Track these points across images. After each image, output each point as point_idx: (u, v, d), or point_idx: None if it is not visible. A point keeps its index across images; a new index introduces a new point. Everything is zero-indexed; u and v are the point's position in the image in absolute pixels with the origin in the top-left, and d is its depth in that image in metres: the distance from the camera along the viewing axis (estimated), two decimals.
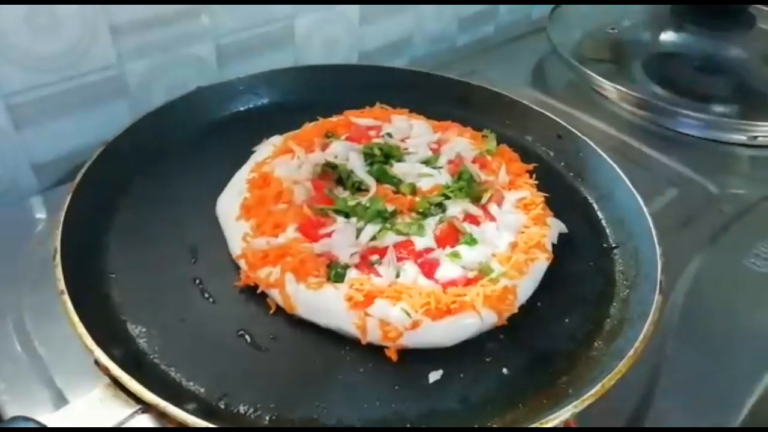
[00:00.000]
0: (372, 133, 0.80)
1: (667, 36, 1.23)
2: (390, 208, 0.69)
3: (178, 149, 0.79)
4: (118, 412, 0.50)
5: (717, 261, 0.79)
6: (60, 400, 0.57)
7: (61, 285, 0.56)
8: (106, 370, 0.51)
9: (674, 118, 1.02)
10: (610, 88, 1.06)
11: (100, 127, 0.83)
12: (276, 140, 0.78)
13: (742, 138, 1.01)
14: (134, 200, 0.72)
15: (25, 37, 0.73)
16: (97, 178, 0.69)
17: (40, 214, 0.77)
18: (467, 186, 0.72)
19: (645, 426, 0.61)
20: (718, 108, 1.08)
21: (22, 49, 0.74)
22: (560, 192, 0.78)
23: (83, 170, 0.68)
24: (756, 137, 1.00)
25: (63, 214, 0.63)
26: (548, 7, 1.22)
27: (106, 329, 0.56)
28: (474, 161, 0.77)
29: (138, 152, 0.75)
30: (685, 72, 1.15)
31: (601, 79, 1.06)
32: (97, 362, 0.52)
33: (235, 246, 0.65)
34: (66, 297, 0.55)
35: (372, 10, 1.07)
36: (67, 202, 0.64)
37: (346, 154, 0.74)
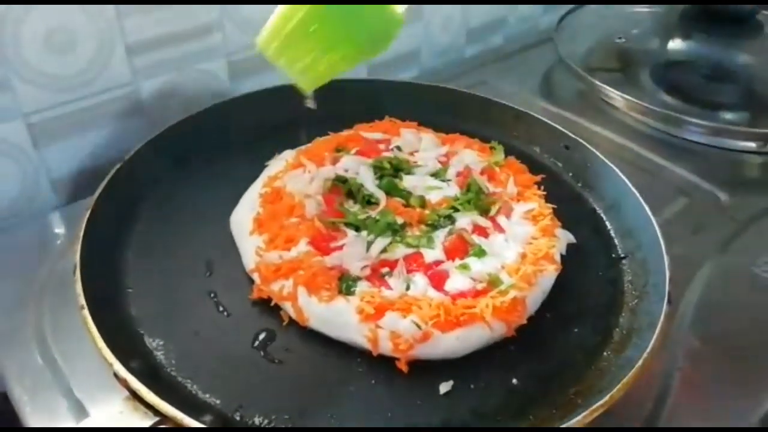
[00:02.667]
0: (381, 146, 0.82)
1: (675, 44, 1.24)
2: (400, 220, 0.70)
3: (192, 165, 0.81)
4: (138, 424, 0.51)
5: (727, 269, 0.79)
6: (80, 410, 0.59)
7: (81, 300, 0.58)
8: (125, 383, 0.52)
9: (683, 126, 1.02)
10: (618, 98, 1.06)
11: (116, 143, 0.85)
12: (288, 155, 0.80)
13: (751, 145, 1.01)
14: (150, 216, 0.74)
15: (44, 58, 0.75)
16: (114, 194, 0.71)
17: (59, 229, 0.79)
18: (476, 198, 0.73)
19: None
20: (727, 115, 1.08)
21: (40, 69, 0.76)
22: (568, 203, 0.79)
23: (101, 187, 0.70)
24: (766, 144, 1.00)
25: (82, 230, 0.65)
26: (555, 18, 1.23)
27: (125, 343, 0.58)
28: (482, 173, 0.78)
29: (153, 168, 0.77)
30: (694, 80, 1.15)
31: (609, 88, 1.07)
32: (116, 375, 0.53)
33: (249, 260, 0.66)
34: (86, 312, 0.57)
35: None
36: (86, 219, 0.66)
37: (357, 168, 0.76)
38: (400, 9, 0.59)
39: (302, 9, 0.56)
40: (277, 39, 0.58)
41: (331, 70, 0.61)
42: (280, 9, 0.57)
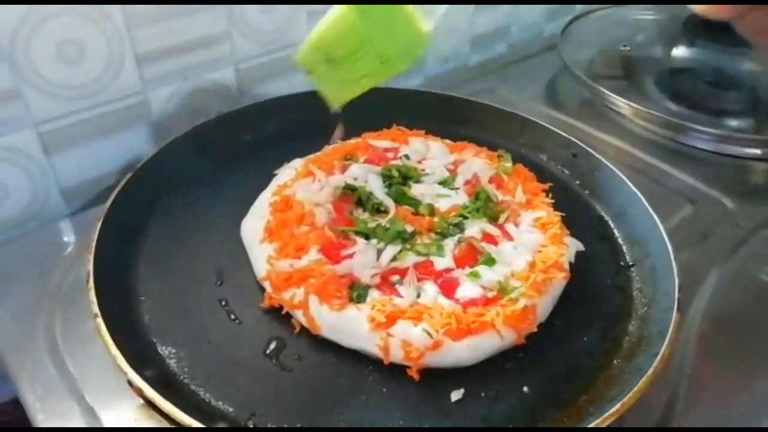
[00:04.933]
0: (390, 155, 0.82)
1: (679, 51, 1.24)
2: (409, 229, 0.70)
3: (202, 174, 0.81)
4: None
5: (734, 276, 0.79)
6: (91, 417, 0.59)
7: (95, 308, 0.58)
8: (139, 391, 0.53)
9: (688, 133, 1.02)
10: (623, 105, 1.07)
11: (125, 152, 0.86)
12: (297, 163, 0.80)
13: (756, 152, 1.01)
14: (161, 225, 0.75)
15: (55, 68, 0.76)
16: (126, 203, 0.71)
17: (69, 238, 0.80)
18: (484, 206, 0.73)
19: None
20: (732, 122, 1.09)
21: (51, 79, 0.76)
22: (576, 211, 0.79)
23: (113, 196, 0.71)
24: None
25: (95, 238, 0.65)
26: (560, 25, 1.24)
27: (138, 351, 0.58)
28: (490, 181, 0.79)
29: (164, 177, 0.77)
30: (699, 87, 1.15)
31: (613, 95, 1.07)
32: (130, 383, 0.53)
33: (260, 268, 0.67)
34: (100, 320, 0.57)
35: None
36: (98, 228, 0.67)
37: (365, 177, 0.76)
38: (428, 26, 0.60)
39: (338, 25, 0.58)
40: (312, 54, 0.60)
41: (359, 87, 0.63)
42: (319, 25, 0.59)
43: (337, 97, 0.65)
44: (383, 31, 0.58)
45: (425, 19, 0.59)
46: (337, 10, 0.58)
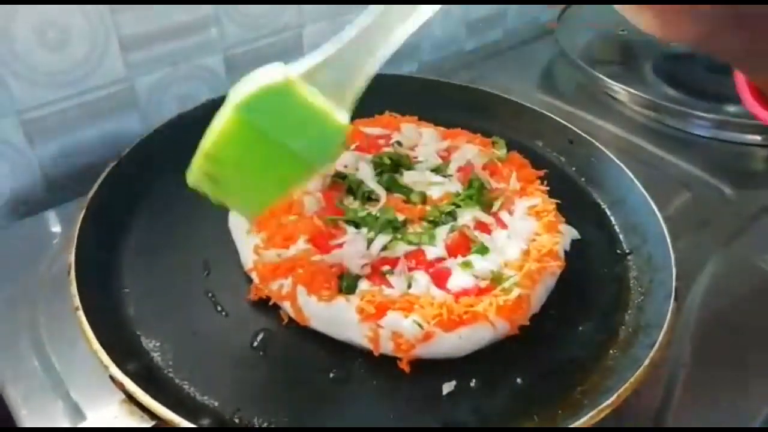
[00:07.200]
0: (381, 141, 0.80)
1: None
2: (401, 217, 0.69)
3: (189, 162, 0.79)
4: (135, 426, 0.50)
5: (733, 264, 0.78)
6: (76, 413, 0.58)
7: (76, 301, 0.57)
8: (121, 386, 0.51)
9: (686, 119, 1.01)
10: (620, 91, 1.05)
11: (112, 140, 0.84)
12: None
13: (756, 138, 0.99)
14: (146, 214, 0.73)
15: (36, 54, 0.74)
16: (110, 192, 0.70)
17: (55, 228, 0.78)
18: (477, 194, 0.72)
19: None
20: (731, 108, 1.07)
21: (33, 65, 0.74)
22: (572, 198, 0.78)
23: (96, 185, 0.69)
24: None
25: (77, 230, 0.63)
26: (557, 11, 1.22)
27: (121, 344, 0.57)
28: (484, 168, 0.77)
29: (150, 166, 0.75)
30: (697, 72, 1.14)
31: (611, 81, 1.05)
32: (112, 378, 0.52)
33: (247, 259, 0.65)
34: (81, 313, 0.56)
35: None
36: (81, 218, 0.65)
37: (356, 164, 0.74)
38: (344, 118, 0.50)
39: (229, 129, 0.48)
40: (207, 167, 0.51)
41: (270, 195, 0.55)
42: (207, 133, 0.50)
43: (249, 209, 0.57)
44: (286, 127, 0.49)
45: (339, 110, 0.50)
46: (222, 113, 0.49)
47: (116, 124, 0.85)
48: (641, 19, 0.39)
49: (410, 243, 0.66)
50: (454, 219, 0.70)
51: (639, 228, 0.73)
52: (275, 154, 0.50)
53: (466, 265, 0.64)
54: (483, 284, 0.62)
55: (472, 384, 0.58)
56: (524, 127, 0.89)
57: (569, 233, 0.71)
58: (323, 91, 0.49)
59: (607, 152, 0.80)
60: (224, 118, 0.49)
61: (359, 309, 0.58)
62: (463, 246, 0.66)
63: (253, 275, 0.64)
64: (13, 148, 0.77)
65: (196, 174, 0.52)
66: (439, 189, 0.73)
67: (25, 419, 0.57)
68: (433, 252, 0.65)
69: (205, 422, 0.51)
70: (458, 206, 0.71)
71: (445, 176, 0.76)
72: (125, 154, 0.74)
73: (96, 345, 0.53)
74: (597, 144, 0.82)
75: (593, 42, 1.21)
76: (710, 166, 0.93)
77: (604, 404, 0.52)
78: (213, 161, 0.51)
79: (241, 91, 0.48)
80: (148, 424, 0.50)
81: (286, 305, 0.61)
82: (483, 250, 0.66)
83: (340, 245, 0.65)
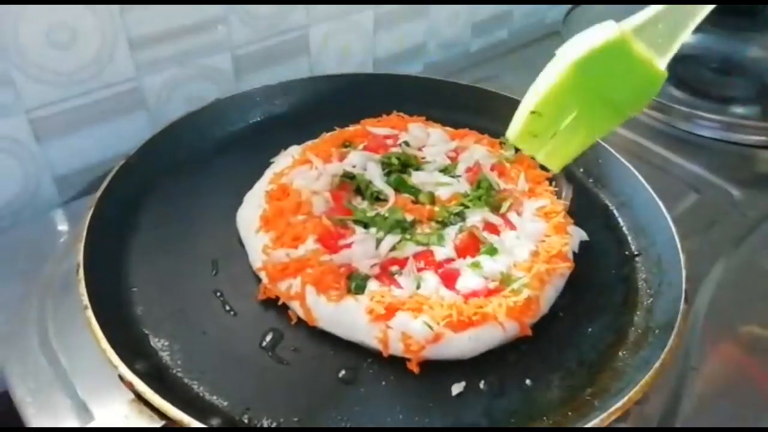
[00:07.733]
0: (389, 142, 0.80)
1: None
2: (409, 217, 0.68)
3: (197, 161, 0.79)
4: (144, 426, 0.50)
5: (741, 266, 0.78)
6: (84, 412, 0.57)
7: (85, 300, 0.56)
8: (130, 386, 0.51)
9: (693, 120, 1.00)
10: None
11: (120, 139, 0.84)
12: (294, 151, 0.78)
13: (763, 140, 0.99)
14: (154, 213, 0.73)
15: (46, 53, 0.74)
16: (118, 191, 0.70)
17: (63, 227, 0.78)
18: (486, 194, 0.72)
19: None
20: (738, 109, 1.07)
21: (42, 64, 0.74)
22: (580, 199, 0.78)
23: (104, 184, 0.69)
24: None
25: (85, 228, 0.63)
26: (562, 11, 1.21)
27: (130, 343, 0.57)
28: (492, 169, 0.77)
29: (158, 165, 0.76)
30: (703, 74, 1.14)
31: None
32: (121, 377, 0.52)
33: (256, 258, 0.65)
34: (90, 312, 0.56)
35: (386, 17, 1.07)
36: (89, 216, 0.65)
37: (364, 164, 0.74)
38: (662, 65, 0.54)
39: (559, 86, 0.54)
40: (529, 131, 0.57)
41: (579, 147, 0.59)
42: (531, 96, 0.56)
43: (559, 159, 0.61)
44: (613, 80, 0.54)
45: (660, 60, 0.54)
46: (553, 71, 0.54)
47: (125, 123, 0.85)
48: None
49: (419, 243, 0.66)
50: (463, 220, 0.69)
51: (647, 229, 0.73)
52: (596, 105, 0.54)
53: (476, 265, 0.64)
54: (492, 285, 0.62)
55: (482, 385, 0.58)
56: None
57: (578, 235, 0.71)
58: (649, 43, 0.53)
59: (615, 154, 0.80)
60: (560, 76, 0.53)
61: (368, 309, 0.58)
62: (472, 247, 0.66)
63: (262, 275, 0.64)
64: (22, 146, 0.77)
65: (520, 132, 0.57)
66: (447, 189, 0.73)
67: (33, 418, 0.57)
68: (442, 252, 0.65)
69: (215, 422, 0.51)
70: (467, 207, 0.71)
71: (453, 177, 0.75)
72: (133, 153, 0.74)
73: (105, 344, 0.53)
74: (605, 145, 0.81)
75: None
76: (717, 168, 0.93)
77: (615, 407, 0.52)
78: (538, 118, 0.56)
79: (575, 50, 0.52)
80: (158, 423, 0.50)
81: (295, 305, 0.61)
82: (492, 251, 0.65)
83: (349, 245, 0.65)
